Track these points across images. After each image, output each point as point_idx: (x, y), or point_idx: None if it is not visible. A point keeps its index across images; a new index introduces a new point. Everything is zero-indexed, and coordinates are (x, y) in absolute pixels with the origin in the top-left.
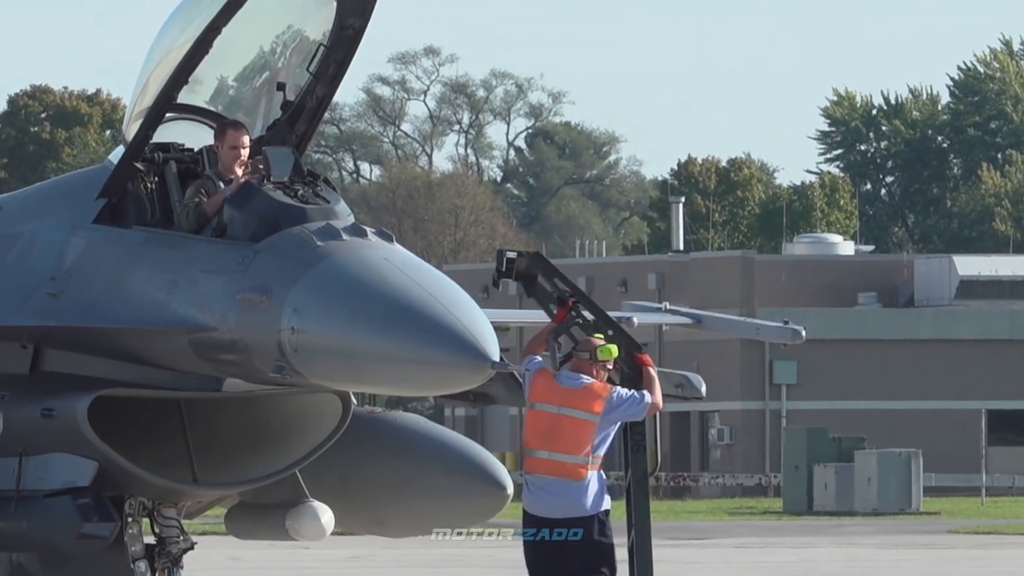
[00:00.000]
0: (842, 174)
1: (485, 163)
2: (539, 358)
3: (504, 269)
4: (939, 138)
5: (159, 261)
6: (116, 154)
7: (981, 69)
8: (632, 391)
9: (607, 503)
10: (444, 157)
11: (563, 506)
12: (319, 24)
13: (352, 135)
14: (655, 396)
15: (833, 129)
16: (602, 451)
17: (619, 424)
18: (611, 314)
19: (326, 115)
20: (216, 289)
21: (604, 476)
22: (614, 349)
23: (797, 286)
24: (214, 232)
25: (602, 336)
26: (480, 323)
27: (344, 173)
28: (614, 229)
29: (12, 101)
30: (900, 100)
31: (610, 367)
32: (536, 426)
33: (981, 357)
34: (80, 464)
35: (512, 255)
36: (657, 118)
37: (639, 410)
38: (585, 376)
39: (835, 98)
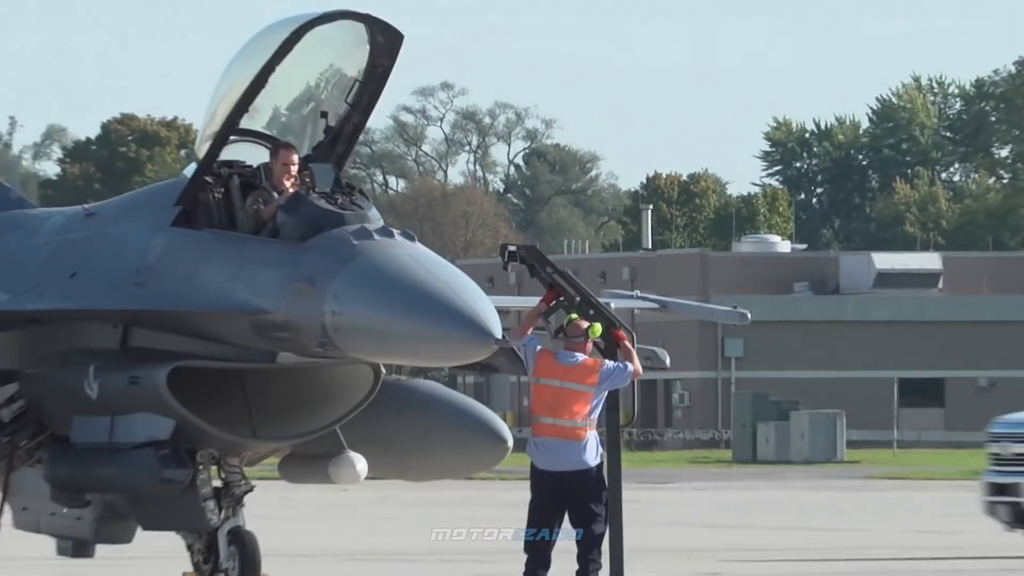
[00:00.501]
0: (781, 186)
1: (490, 177)
2: (536, 339)
3: (507, 258)
4: (860, 157)
5: (224, 257)
6: (189, 169)
7: (895, 100)
8: (616, 363)
9: (600, 457)
10: (457, 172)
11: (567, 461)
12: (355, 63)
13: (381, 154)
14: (635, 365)
15: (774, 149)
16: (595, 415)
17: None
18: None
19: (360, 137)
20: (271, 280)
21: (598, 435)
22: (599, 328)
23: (744, 277)
24: (269, 233)
25: (576, 317)
26: (486, 307)
27: (375, 185)
28: (595, 231)
29: (104, 127)
30: (828, 126)
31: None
32: (542, 398)
33: (894, 336)
34: (161, 422)
35: (512, 248)
36: (630, 140)
37: (624, 378)
38: (579, 353)
39: (775, 124)
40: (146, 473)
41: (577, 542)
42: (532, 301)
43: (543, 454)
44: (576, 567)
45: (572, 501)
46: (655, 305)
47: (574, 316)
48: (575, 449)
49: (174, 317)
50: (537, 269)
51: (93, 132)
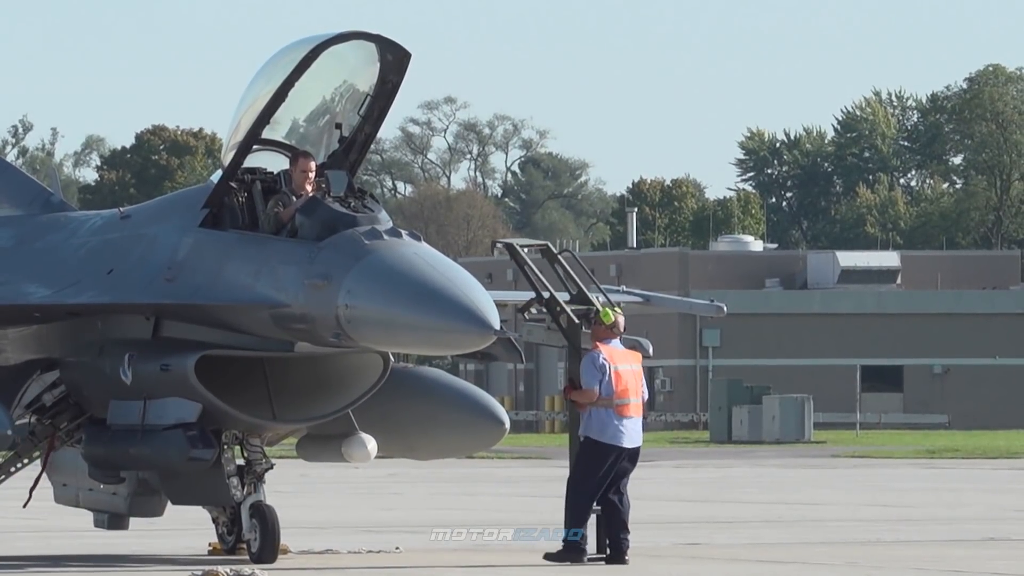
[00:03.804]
0: (754, 190)
1: (489, 183)
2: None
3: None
4: (826, 164)
5: (247, 255)
6: (216, 176)
7: (858, 112)
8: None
9: None
10: (459, 179)
11: (641, 436)
12: (367, 79)
13: (390, 162)
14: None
15: (747, 157)
16: None
17: None
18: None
19: (371, 147)
20: (290, 276)
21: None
22: (610, 314)
23: (720, 274)
24: (288, 234)
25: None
26: (485, 301)
27: (384, 190)
28: (584, 232)
29: (138, 137)
30: (797, 135)
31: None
32: (623, 381)
33: (856, 327)
34: (189, 406)
35: (500, 245)
36: (617, 149)
37: None
38: (616, 340)
39: (749, 134)
40: (176, 452)
41: (610, 514)
42: (527, 295)
43: (629, 434)
44: (607, 541)
45: (622, 473)
46: (639, 299)
47: (607, 309)
48: (641, 424)
49: (201, 310)
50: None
51: (128, 142)
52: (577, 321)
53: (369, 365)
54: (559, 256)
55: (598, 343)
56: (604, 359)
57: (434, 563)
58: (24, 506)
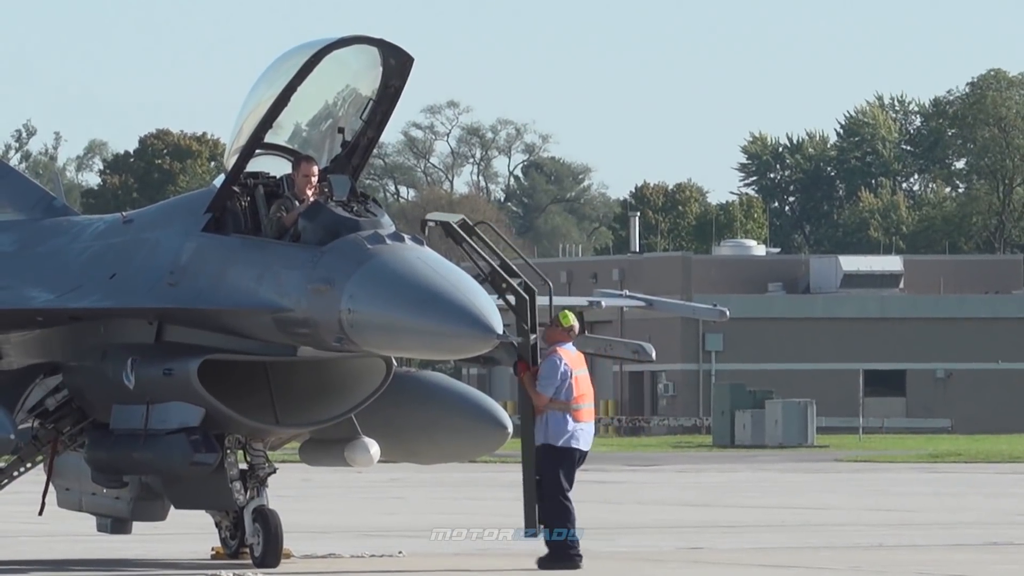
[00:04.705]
0: (756, 195)
1: (492, 187)
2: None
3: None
4: (828, 168)
5: (250, 259)
6: (218, 180)
7: (860, 117)
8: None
9: None
10: (462, 183)
11: (592, 439)
12: (369, 84)
13: (393, 166)
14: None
15: (750, 161)
16: None
17: None
18: (585, 299)
19: (374, 151)
20: (293, 280)
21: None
22: (570, 316)
23: (723, 278)
24: (291, 238)
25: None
26: (488, 306)
27: (387, 194)
28: (587, 236)
29: (142, 141)
30: (800, 140)
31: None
32: (580, 387)
33: (859, 331)
34: (192, 410)
35: (431, 223)
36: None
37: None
38: (569, 344)
39: (752, 138)
40: (178, 456)
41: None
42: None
43: (584, 438)
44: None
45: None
46: (642, 303)
47: (566, 312)
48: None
49: (204, 314)
50: (457, 242)
51: (131, 146)
52: (525, 296)
53: (372, 369)
54: (476, 229)
55: (556, 346)
56: (566, 365)
57: (436, 567)
58: (40, 513)
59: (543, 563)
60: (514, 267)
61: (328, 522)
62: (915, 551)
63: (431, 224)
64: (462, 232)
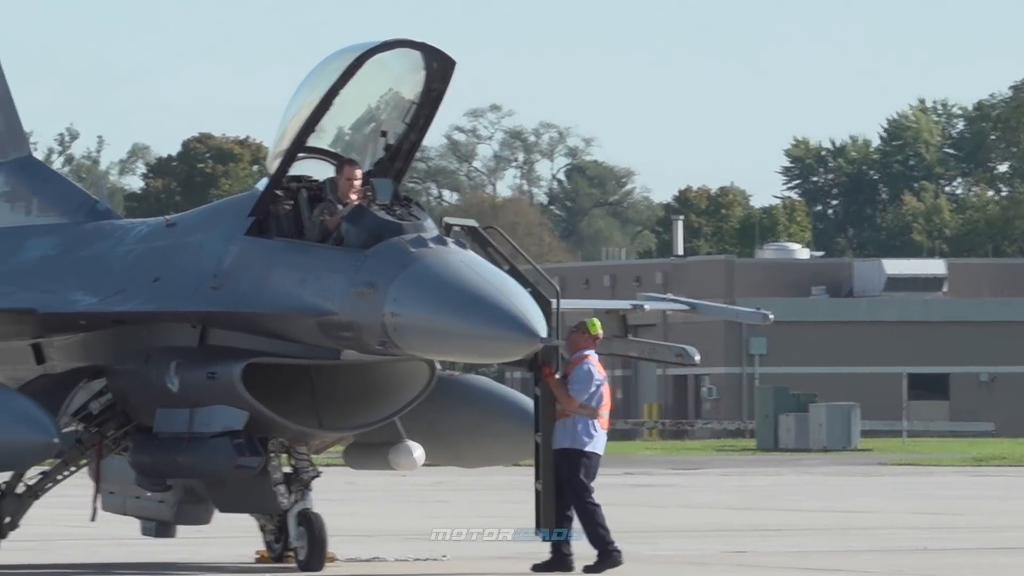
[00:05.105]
0: (800, 198)
1: (535, 191)
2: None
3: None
4: (871, 172)
5: (294, 263)
6: (261, 184)
7: (903, 121)
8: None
9: None
10: (505, 186)
11: None
12: (412, 87)
13: (436, 170)
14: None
15: (793, 165)
16: None
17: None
18: (628, 303)
19: (416, 154)
20: (336, 284)
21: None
22: (597, 323)
23: (766, 282)
24: (334, 242)
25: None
26: (532, 309)
27: (430, 198)
28: (630, 240)
29: (185, 144)
30: (843, 144)
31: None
32: (607, 395)
33: (903, 335)
34: (236, 414)
35: (456, 227)
36: (663, 157)
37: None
38: (593, 351)
39: (795, 142)
40: (222, 460)
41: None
42: (574, 303)
43: (603, 441)
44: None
45: None
46: (686, 307)
47: (594, 319)
48: None
49: (248, 318)
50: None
51: (174, 149)
52: (548, 300)
53: (415, 373)
54: (484, 234)
55: (585, 353)
56: (599, 373)
57: (480, 570)
58: (92, 519)
59: (589, 569)
60: (522, 273)
61: (372, 526)
62: (959, 555)
63: (456, 228)
64: (486, 235)
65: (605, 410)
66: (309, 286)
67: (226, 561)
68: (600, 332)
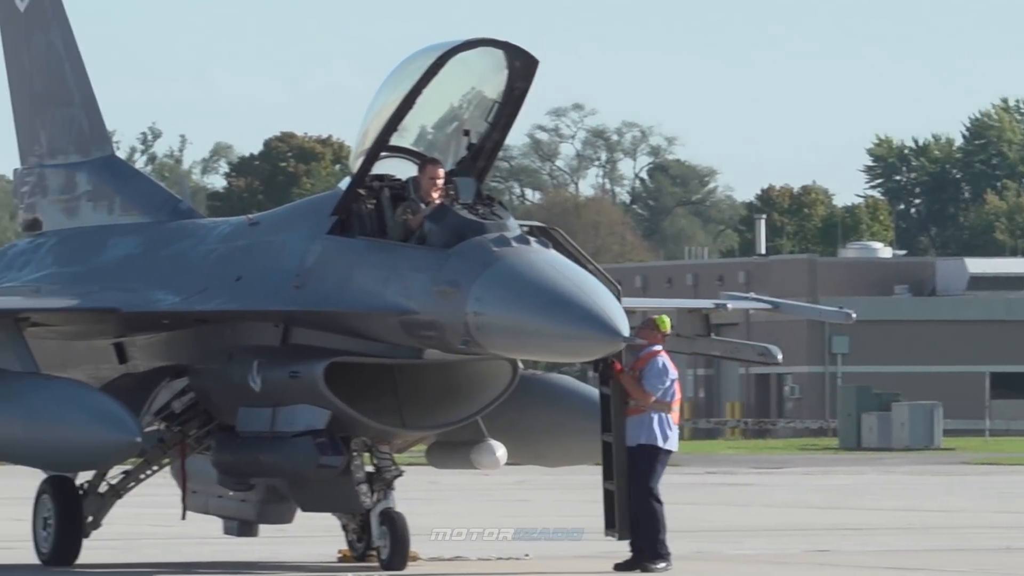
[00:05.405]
0: (882, 197)
1: (618, 190)
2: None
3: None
4: (954, 171)
5: (376, 262)
6: (344, 183)
7: (985, 120)
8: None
9: None
10: (587, 185)
11: None
12: (495, 86)
13: (519, 169)
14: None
15: (876, 164)
16: None
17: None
18: (711, 302)
19: (499, 153)
20: (419, 283)
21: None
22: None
23: (849, 281)
24: (417, 241)
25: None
26: (614, 308)
27: (512, 197)
28: (713, 239)
29: (267, 143)
30: (926, 143)
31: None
32: (678, 390)
33: (985, 334)
34: (318, 413)
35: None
36: (745, 156)
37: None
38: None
39: (878, 141)
40: (305, 459)
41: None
42: (657, 303)
43: (676, 438)
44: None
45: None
46: (768, 306)
47: (663, 317)
48: None
49: (330, 317)
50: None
51: (256, 148)
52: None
53: (498, 372)
54: (552, 233)
55: (655, 349)
56: (673, 370)
57: (562, 570)
58: (183, 517)
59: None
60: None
61: (454, 525)
62: None
63: (524, 229)
64: (557, 236)
65: (677, 405)
66: (392, 285)
67: (308, 560)
68: (669, 329)
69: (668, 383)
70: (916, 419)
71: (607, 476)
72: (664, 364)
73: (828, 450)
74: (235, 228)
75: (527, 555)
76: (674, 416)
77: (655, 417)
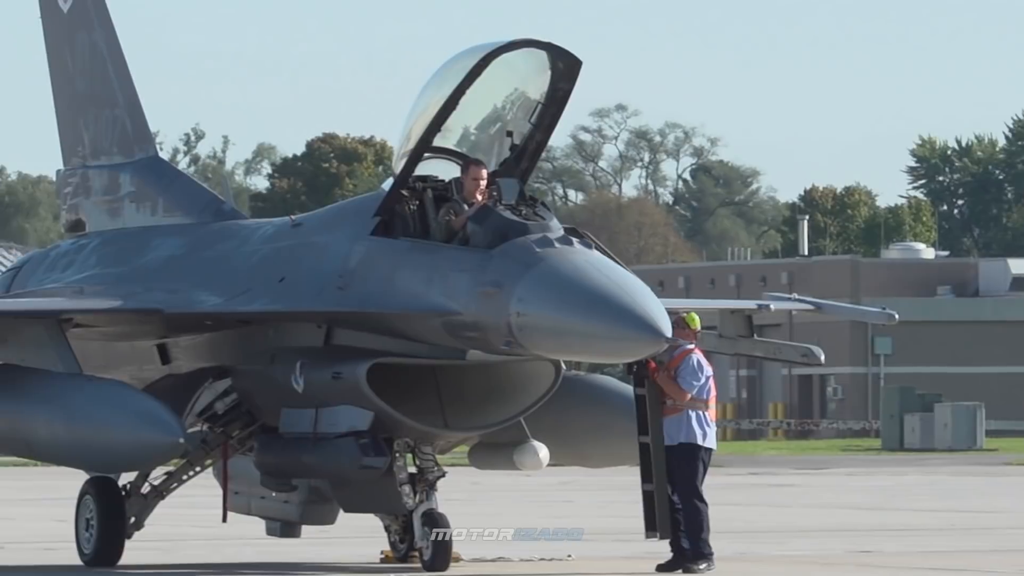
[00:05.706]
0: (925, 198)
1: (660, 191)
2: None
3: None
4: (997, 172)
5: (419, 263)
6: (387, 184)
7: None
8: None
9: None
10: (630, 186)
11: None
12: (538, 87)
13: (562, 170)
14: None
15: (919, 165)
16: None
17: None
18: (754, 302)
19: (543, 154)
20: (462, 284)
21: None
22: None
23: (892, 281)
24: (460, 242)
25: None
26: (657, 308)
27: (555, 198)
28: (756, 239)
29: (309, 144)
30: (968, 143)
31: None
32: (713, 387)
33: None
34: (361, 414)
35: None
36: (788, 157)
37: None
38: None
39: (920, 142)
40: (348, 460)
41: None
42: (699, 303)
43: (714, 435)
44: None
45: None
46: (811, 306)
47: (692, 314)
48: None
49: (373, 318)
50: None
51: (299, 149)
52: None
53: (541, 373)
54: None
55: (688, 347)
56: (708, 367)
57: (605, 570)
58: (223, 520)
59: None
60: None
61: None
62: None
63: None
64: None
65: (713, 403)
66: (434, 286)
67: (351, 561)
68: (699, 326)
69: (703, 380)
70: (959, 420)
71: (645, 478)
72: (699, 361)
73: (871, 451)
74: (278, 229)
75: (569, 556)
76: (711, 413)
77: (693, 415)
